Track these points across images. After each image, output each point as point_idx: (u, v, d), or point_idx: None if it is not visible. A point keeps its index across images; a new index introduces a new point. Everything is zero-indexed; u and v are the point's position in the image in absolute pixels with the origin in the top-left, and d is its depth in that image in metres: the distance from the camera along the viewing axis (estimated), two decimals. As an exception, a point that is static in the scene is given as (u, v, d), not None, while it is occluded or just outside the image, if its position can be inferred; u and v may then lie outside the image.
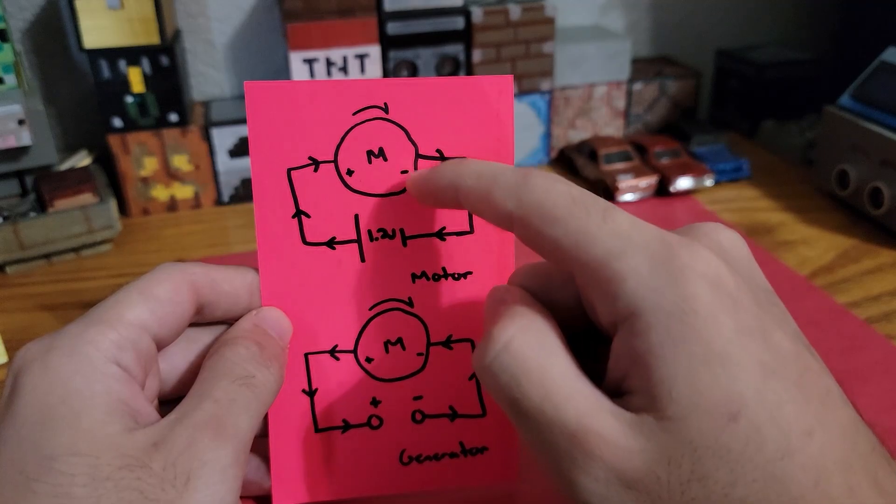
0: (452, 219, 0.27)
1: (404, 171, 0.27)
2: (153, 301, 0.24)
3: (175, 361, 0.26)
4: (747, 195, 0.58)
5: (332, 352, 0.28)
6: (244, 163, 0.56)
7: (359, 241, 0.27)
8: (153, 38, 0.51)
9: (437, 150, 0.27)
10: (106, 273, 0.48)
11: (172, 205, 0.56)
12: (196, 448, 0.22)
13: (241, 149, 0.56)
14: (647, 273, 0.20)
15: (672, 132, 0.64)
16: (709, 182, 0.57)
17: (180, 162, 0.55)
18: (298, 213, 0.27)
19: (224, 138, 0.55)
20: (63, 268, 0.49)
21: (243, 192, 0.57)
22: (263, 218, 0.27)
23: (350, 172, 0.26)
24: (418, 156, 0.27)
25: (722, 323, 0.19)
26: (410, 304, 0.28)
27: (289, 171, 0.26)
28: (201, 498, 0.21)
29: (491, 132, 0.26)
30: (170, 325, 0.25)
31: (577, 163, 0.61)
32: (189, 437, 0.22)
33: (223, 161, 0.56)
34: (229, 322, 0.27)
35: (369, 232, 0.27)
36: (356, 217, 0.27)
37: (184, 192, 0.56)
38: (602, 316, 0.21)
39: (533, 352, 0.21)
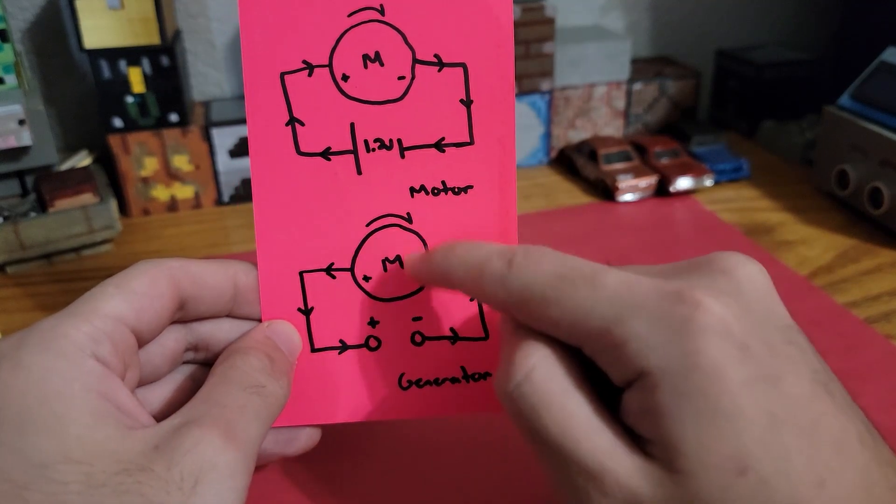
0: (452, 128, 0.27)
1: (401, 77, 0.26)
2: (130, 294, 0.24)
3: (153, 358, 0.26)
4: (747, 195, 0.58)
5: (328, 270, 0.27)
6: (244, 163, 0.56)
7: (355, 151, 0.26)
8: (153, 39, 0.51)
9: (435, 55, 0.26)
10: (106, 273, 0.48)
11: (173, 205, 0.56)
12: (204, 451, 0.21)
13: (241, 149, 0.56)
14: (647, 334, 0.20)
15: (672, 132, 0.64)
16: (708, 182, 0.57)
17: (181, 162, 0.55)
18: (292, 121, 0.26)
19: (224, 138, 0.55)
20: (63, 268, 0.49)
21: (243, 192, 0.57)
22: (256, 126, 0.26)
23: (345, 78, 0.26)
24: (415, 60, 0.26)
25: (728, 376, 0.19)
26: (409, 219, 0.27)
27: (282, 75, 0.26)
28: (210, 502, 0.20)
29: (490, 37, 0.26)
30: (149, 318, 0.24)
31: (577, 163, 0.61)
32: (196, 439, 0.21)
33: (223, 161, 0.56)
34: (215, 317, 0.27)
35: (366, 142, 0.26)
36: (352, 126, 0.26)
37: (184, 192, 0.56)
38: (612, 377, 0.21)
39: (554, 384, 0.21)
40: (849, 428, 0.20)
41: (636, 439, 0.20)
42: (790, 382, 0.20)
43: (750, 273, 0.22)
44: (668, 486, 0.19)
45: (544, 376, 0.21)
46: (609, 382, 0.22)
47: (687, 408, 0.19)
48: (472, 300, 0.28)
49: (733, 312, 0.20)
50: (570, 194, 0.58)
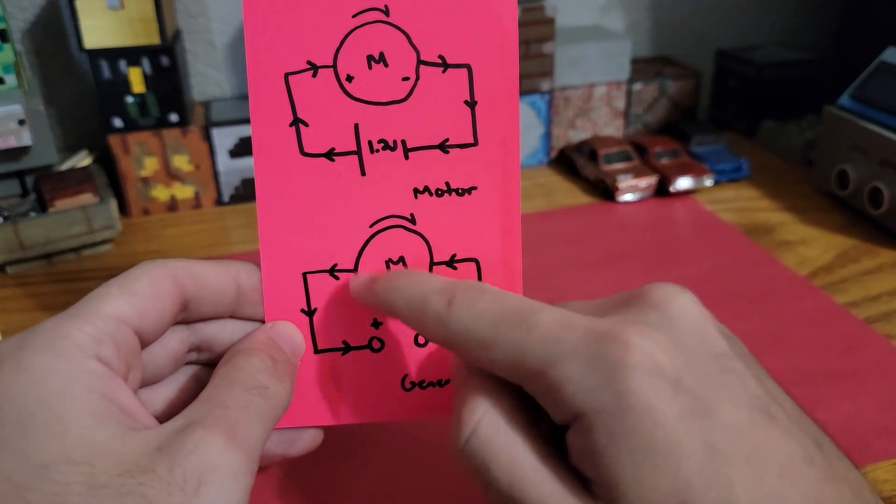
0: (456, 130, 0.27)
1: (405, 78, 0.26)
2: (132, 295, 0.24)
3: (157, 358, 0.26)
4: (747, 195, 0.58)
5: (332, 271, 0.27)
6: (244, 163, 0.56)
7: (359, 152, 0.26)
8: (153, 39, 0.51)
9: (440, 56, 0.26)
10: (106, 273, 0.48)
11: (173, 205, 0.56)
12: (207, 452, 0.21)
13: (241, 149, 0.56)
14: (580, 377, 0.20)
15: (672, 132, 0.64)
16: (708, 182, 0.57)
17: (181, 162, 0.55)
18: (296, 122, 0.26)
19: (224, 138, 0.55)
20: (63, 268, 0.49)
21: (244, 192, 0.57)
22: (260, 126, 0.26)
23: (350, 79, 0.26)
24: (420, 61, 0.26)
25: (661, 412, 0.19)
26: (413, 220, 0.27)
27: (286, 75, 0.26)
28: None
29: (494, 39, 0.26)
30: (152, 319, 0.24)
31: (577, 163, 0.61)
32: (199, 440, 0.21)
33: (223, 161, 0.56)
34: (218, 318, 0.27)
35: (370, 143, 0.26)
36: (356, 127, 0.26)
37: (184, 192, 0.56)
38: (554, 418, 0.21)
39: (500, 436, 0.21)
40: (793, 449, 0.20)
41: (582, 480, 0.21)
42: (727, 412, 0.20)
43: (682, 305, 0.22)
44: None
45: (490, 430, 0.22)
46: None
47: (623, 447, 0.19)
48: None
49: (663, 348, 0.20)
50: (570, 194, 0.58)
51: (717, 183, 0.59)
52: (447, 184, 0.27)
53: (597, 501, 0.20)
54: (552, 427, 0.22)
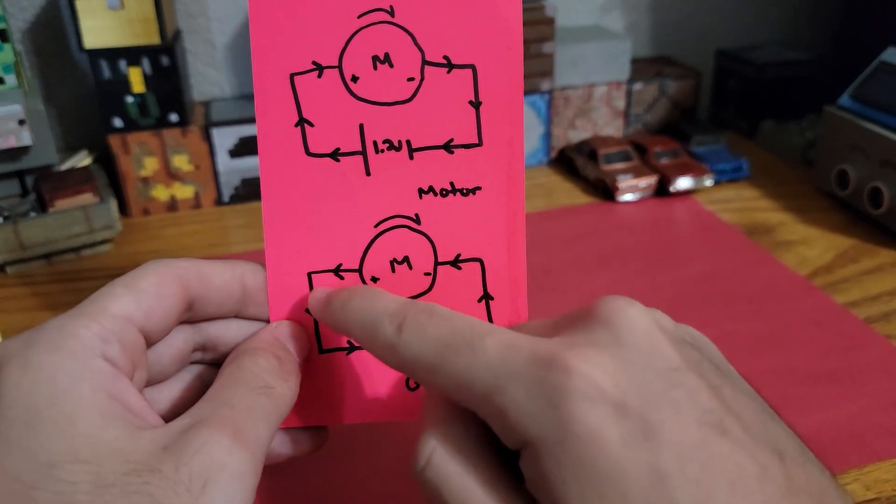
0: (461, 130, 0.27)
1: (410, 79, 0.26)
2: (138, 293, 0.24)
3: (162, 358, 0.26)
4: (747, 195, 0.58)
5: (337, 271, 0.27)
6: (244, 163, 0.56)
7: (364, 152, 0.26)
8: (153, 39, 0.51)
9: (445, 57, 0.26)
10: (106, 273, 0.48)
11: (173, 205, 0.56)
12: (213, 452, 0.21)
13: (241, 149, 0.56)
14: (524, 403, 0.20)
15: (672, 132, 0.64)
16: (708, 182, 0.57)
17: (181, 162, 0.55)
18: (301, 122, 0.26)
19: (224, 138, 0.55)
20: (63, 268, 0.49)
21: (244, 192, 0.57)
22: (265, 127, 0.26)
23: (355, 79, 0.26)
24: (425, 62, 0.26)
25: (604, 438, 0.19)
26: (417, 220, 0.27)
27: (292, 76, 0.26)
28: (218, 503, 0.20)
29: (499, 39, 0.26)
30: (157, 318, 0.24)
31: (577, 163, 0.61)
32: (205, 440, 0.21)
33: (223, 161, 0.56)
34: (223, 318, 0.27)
35: (374, 143, 0.26)
36: (361, 127, 0.26)
37: (184, 192, 0.56)
38: (504, 442, 0.21)
39: (452, 465, 0.21)
40: (746, 465, 0.19)
41: None
42: (673, 432, 0.19)
43: (629, 319, 0.21)
44: None
45: (442, 459, 0.21)
46: None
47: (569, 475, 0.19)
48: (479, 301, 0.28)
49: (607, 371, 0.20)
50: (570, 194, 0.58)
51: (717, 183, 0.59)
52: (452, 184, 0.27)
53: None
54: (512, 452, 0.22)
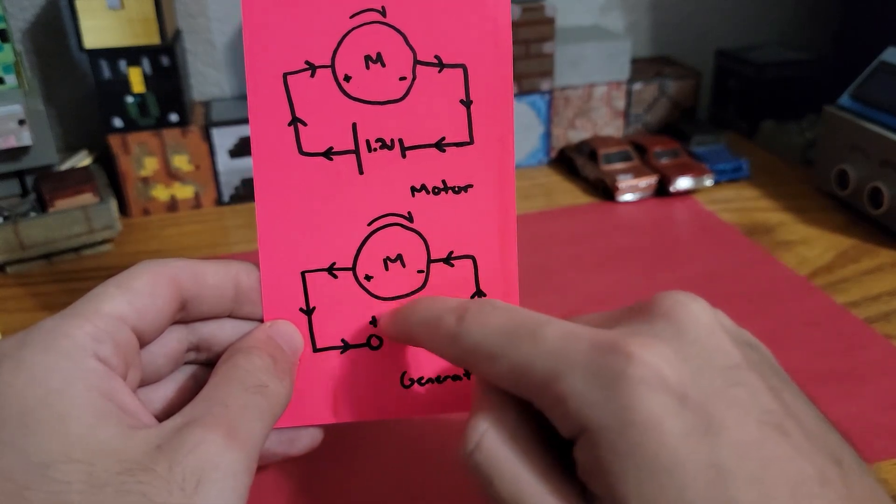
0: (452, 129, 0.27)
1: (402, 78, 0.26)
2: (131, 293, 0.24)
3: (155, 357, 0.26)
4: (747, 195, 0.58)
5: (330, 269, 0.27)
6: (244, 163, 0.56)
7: (357, 151, 0.27)
8: (153, 39, 0.51)
9: (436, 56, 0.26)
10: (106, 273, 0.48)
11: (173, 205, 0.56)
12: (207, 451, 0.21)
13: (241, 149, 0.56)
14: (584, 390, 0.20)
15: (672, 132, 0.64)
16: (708, 182, 0.57)
17: (181, 162, 0.55)
18: (294, 121, 0.26)
19: (224, 138, 0.55)
20: (63, 268, 0.49)
21: (244, 192, 0.57)
22: (258, 126, 0.26)
23: (347, 78, 0.26)
24: (416, 62, 0.26)
25: (665, 430, 0.19)
26: (410, 218, 0.27)
27: (285, 75, 0.26)
28: (212, 502, 0.20)
29: (489, 39, 0.26)
30: (150, 317, 0.24)
31: (577, 163, 0.61)
32: (198, 439, 0.21)
33: (223, 161, 0.56)
34: (217, 317, 0.27)
35: (367, 142, 0.27)
36: (354, 126, 0.26)
37: (184, 192, 0.56)
38: (560, 431, 0.21)
39: (503, 451, 0.21)
40: (806, 469, 0.19)
41: (589, 495, 0.20)
42: (734, 429, 0.19)
43: (692, 314, 0.21)
44: None
45: (493, 443, 0.22)
46: None
47: (628, 465, 0.19)
48: (472, 297, 0.28)
49: (669, 361, 0.20)
50: (570, 194, 0.58)
51: (717, 183, 0.59)
52: (444, 182, 0.27)
53: None
54: (564, 443, 0.22)
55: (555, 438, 0.22)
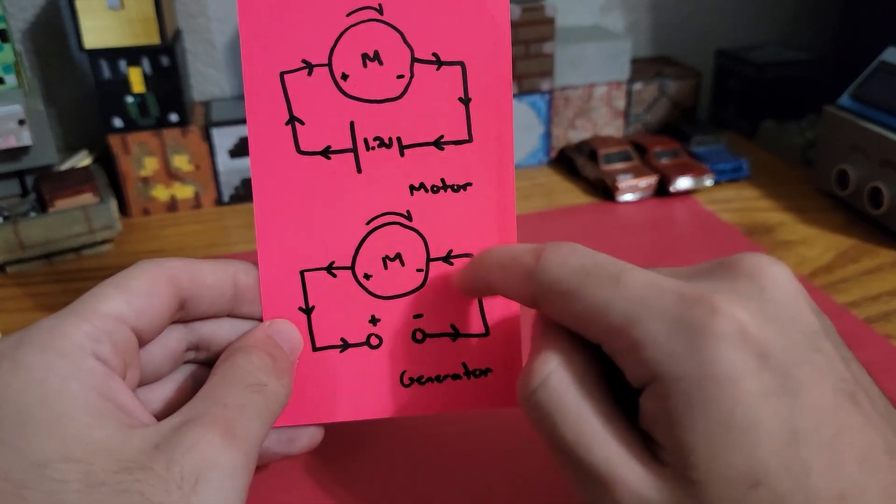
0: (451, 127, 0.27)
1: (400, 76, 0.26)
2: (129, 293, 0.24)
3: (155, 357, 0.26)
4: (747, 195, 0.58)
5: (329, 268, 0.27)
6: (244, 163, 0.56)
7: (354, 150, 0.27)
8: (153, 39, 0.51)
9: (434, 54, 0.26)
10: (106, 273, 0.48)
11: (173, 205, 0.56)
12: (205, 450, 0.21)
13: (241, 149, 0.56)
14: (664, 339, 0.20)
15: (672, 132, 0.64)
16: (708, 182, 0.57)
17: (181, 162, 0.55)
18: (292, 120, 0.26)
19: (224, 138, 0.55)
20: (63, 268, 0.49)
21: (244, 192, 0.57)
22: (256, 125, 0.26)
23: (345, 77, 0.26)
24: (414, 59, 0.26)
25: (744, 387, 0.19)
26: (409, 217, 0.27)
27: (282, 74, 0.26)
28: (210, 502, 0.20)
29: (487, 36, 0.26)
30: (149, 317, 0.24)
31: (577, 163, 0.61)
32: (197, 438, 0.21)
33: (223, 161, 0.56)
34: (216, 317, 0.27)
35: (365, 140, 0.27)
36: (351, 124, 0.26)
37: (184, 192, 0.56)
38: (628, 377, 0.21)
39: (570, 391, 0.21)
40: (875, 440, 0.19)
41: (652, 444, 0.20)
42: (812, 393, 0.19)
43: (775, 276, 0.21)
44: (678, 496, 0.19)
45: (560, 383, 0.21)
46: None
47: (700, 417, 0.19)
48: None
49: (754, 319, 0.19)
50: (570, 194, 0.58)
51: (717, 183, 0.58)
52: (443, 180, 0.27)
53: (664, 468, 0.20)
54: (625, 390, 0.22)
55: (618, 385, 0.22)
